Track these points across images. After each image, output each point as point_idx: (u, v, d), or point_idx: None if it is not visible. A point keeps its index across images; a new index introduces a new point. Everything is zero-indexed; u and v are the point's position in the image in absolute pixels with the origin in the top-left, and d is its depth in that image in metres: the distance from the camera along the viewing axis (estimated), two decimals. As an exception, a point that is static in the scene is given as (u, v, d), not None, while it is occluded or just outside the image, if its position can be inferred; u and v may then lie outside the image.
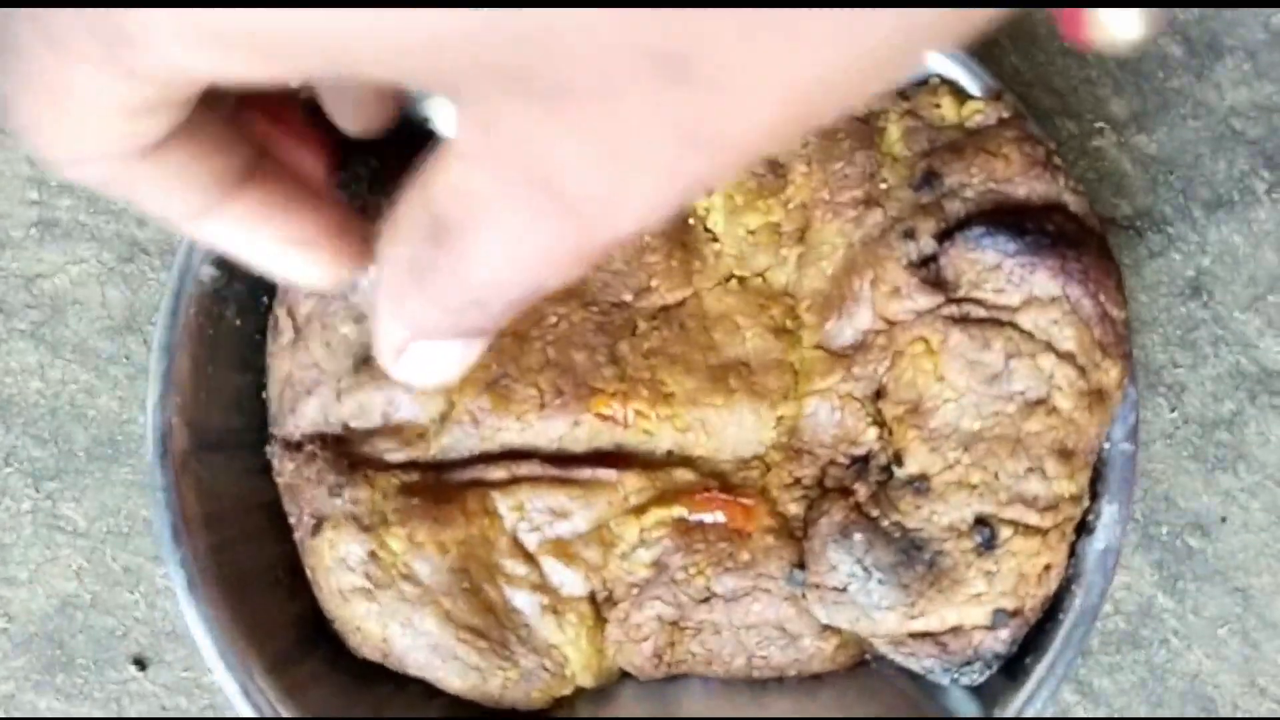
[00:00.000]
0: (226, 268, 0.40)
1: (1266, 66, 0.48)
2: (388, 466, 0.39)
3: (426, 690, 0.39)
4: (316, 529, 0.38)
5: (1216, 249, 0.47)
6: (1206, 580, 0.46)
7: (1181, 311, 0.47)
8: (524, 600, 0.38)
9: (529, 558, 0.38)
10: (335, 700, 0.38)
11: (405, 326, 0.24)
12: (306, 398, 0.39)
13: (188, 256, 0.40)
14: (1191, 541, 0.46)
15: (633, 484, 0.38)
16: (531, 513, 0.38)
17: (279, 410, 0.40)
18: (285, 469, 0.39)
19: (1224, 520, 0.46)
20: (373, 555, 0.37)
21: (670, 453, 0.39)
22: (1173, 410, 0.47)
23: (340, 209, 0.27)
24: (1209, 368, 0.47)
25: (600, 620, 0.38)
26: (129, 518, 0.47)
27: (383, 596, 0.38)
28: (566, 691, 0.39)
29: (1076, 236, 0.35)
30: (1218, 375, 0.47)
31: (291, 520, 0.39)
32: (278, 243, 0.26)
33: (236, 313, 0.41)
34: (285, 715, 0.37)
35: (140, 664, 0.47)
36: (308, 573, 0.39)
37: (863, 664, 0.39)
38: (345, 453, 0.39)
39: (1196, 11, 0.48)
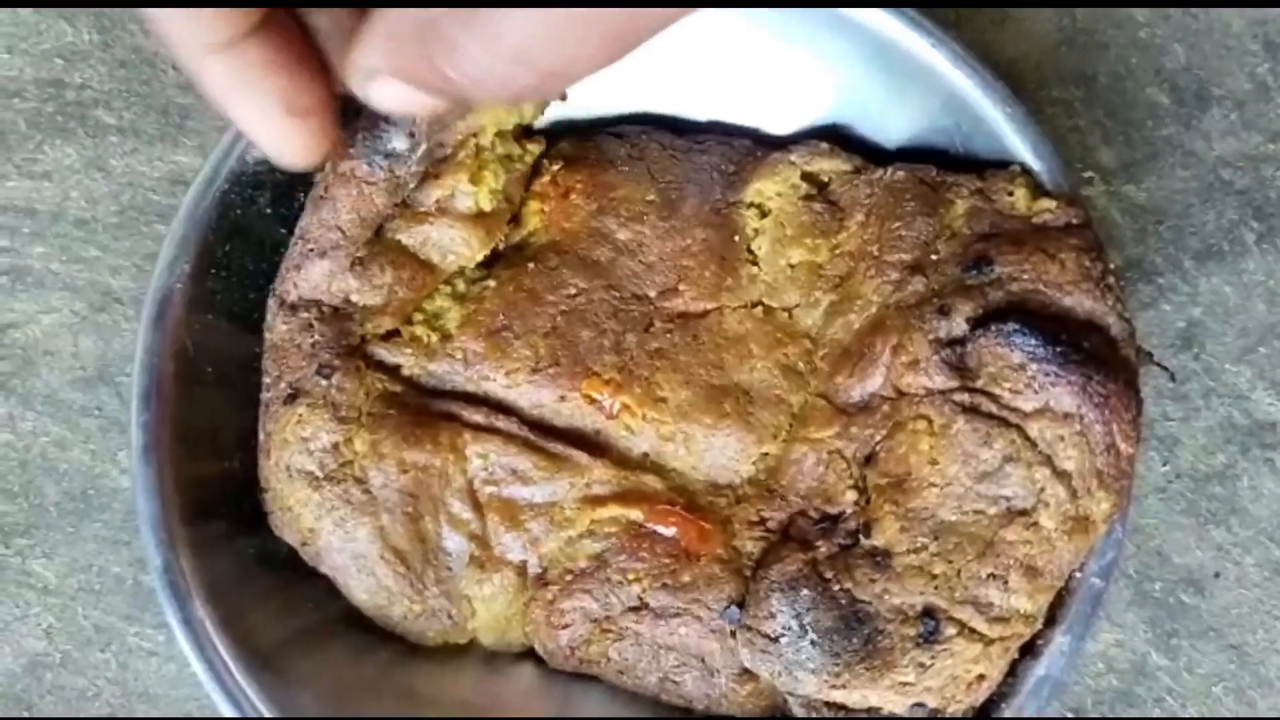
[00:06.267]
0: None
1: (1253, 116, 0.48)
2: (379, 365, 0.38)
3: (329, 588, 0.38)
4: (291, 399, 0.37)
5: (1207, 300, 0.47)
6: (1200, 637, 0.45)
7: (1173, 364, 0.46)
8: (456, 544, 0.38)
9: (478, 507, 0.38)
10: (236, 570, 0.38)
11: (389, 68, 0.26)
12: (318, 259, 0.38)
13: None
14: (1185, 597, 0.45)
15: (600, 474, 0.38)
16: (494, 467, 0.38)
17: (285, 265, 0.39)
18: (277, 328, 0.38)
19: (1217, 576, 0.45)
20: (335, 448, 0.37)
21: (646, 455, 0.38)
22: (1165, 464, 0.46)
23: (338, 88, 0.28)
24: (1201, 420, 0.46)
25: (522, 590, 0.38)
26: (101, 574, 0.46)
27: (328, 490, 0.37)
28: (461, 641, 0.39)
29: (1108, 361, 0.35)
30: (1209, 428, 0.46)
31: (266, 379, 0.39)
32: (271, 102, 0.27)
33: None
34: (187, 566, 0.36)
35: (111, 726, 0.45)
36: (260, 434, 0.39)
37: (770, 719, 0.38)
38: (343, 332, 0.38)
39: (1183, 59, 0.48)
